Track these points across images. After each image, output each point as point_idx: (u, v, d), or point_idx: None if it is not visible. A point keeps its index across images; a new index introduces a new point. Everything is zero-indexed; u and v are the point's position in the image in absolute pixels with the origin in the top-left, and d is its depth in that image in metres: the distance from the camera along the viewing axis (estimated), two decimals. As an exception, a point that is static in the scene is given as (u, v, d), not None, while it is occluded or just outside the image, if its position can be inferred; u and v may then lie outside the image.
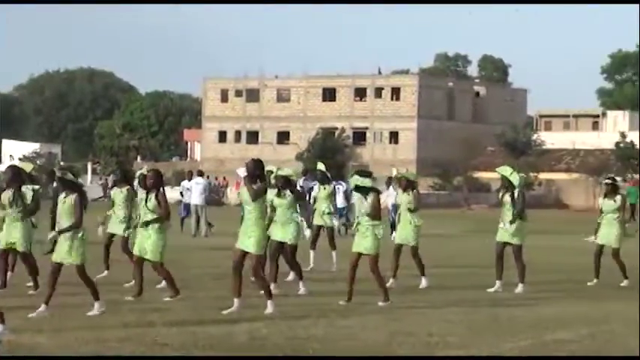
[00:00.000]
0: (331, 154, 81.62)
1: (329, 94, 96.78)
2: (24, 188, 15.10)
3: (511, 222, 16.54)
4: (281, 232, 15.91)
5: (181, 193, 32.94)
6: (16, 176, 15.05)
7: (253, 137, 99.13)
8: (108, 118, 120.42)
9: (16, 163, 17.53)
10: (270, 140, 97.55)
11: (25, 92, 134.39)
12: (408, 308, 14.33)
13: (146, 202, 14.54)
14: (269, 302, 13.44)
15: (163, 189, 14.76)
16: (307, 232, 17.01)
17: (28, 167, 16.30)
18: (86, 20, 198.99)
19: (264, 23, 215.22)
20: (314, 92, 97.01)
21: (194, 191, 31.37)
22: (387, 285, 15.63)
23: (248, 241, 13.42)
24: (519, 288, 16.61)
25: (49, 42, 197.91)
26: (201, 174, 32.89)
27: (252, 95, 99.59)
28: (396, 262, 17.17)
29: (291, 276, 16.89)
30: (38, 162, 74.50)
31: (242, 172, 14.13)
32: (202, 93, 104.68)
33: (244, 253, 13.51)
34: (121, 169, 19.23)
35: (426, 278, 17.17)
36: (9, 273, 15.79)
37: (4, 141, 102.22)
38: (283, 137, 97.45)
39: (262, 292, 13.61)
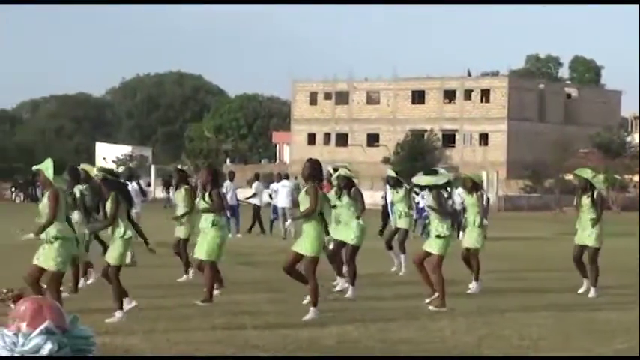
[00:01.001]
0: (420, 157, 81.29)
1: (418, 97, 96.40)
2: (75, 189, 15.46)
3: (592, 225, 16.21)
4: (344, 232, 15.97)
5: (270, 195, 33.17)
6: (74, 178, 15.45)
7: (342, 140, 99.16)
8: (197, 120, 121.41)
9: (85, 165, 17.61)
10: (360, 143, 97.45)
11: (117, 95, 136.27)
12: (499, 312, 14.14)
13: (203, 199, 14.54)
14: (312, 308, 13.09)
15: (218, 187, 14.76)
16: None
17: (92, 170, 16.26)
18: (176, 23, 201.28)
19: (354, 25, 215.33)
20: (403, 94, 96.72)
21: (280, 194, 31.54)
22: (471, 289, 15.58)
23: (303, 242, 13.16)
24: (592, 292, 16.20)
25: (140, 45, 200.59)
26: (286, 177, 33.28)
27: (342, 98, 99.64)
28: (469, 265, 16.90)
29: (340, 285, 16.46)
30: (130, 165, 75.44)
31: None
32: (291, 96, 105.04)
33: (299, 256, 13.21)
34: (177, 170, 19.09)
35: (477, 283, 16.78)
36: (91, 276, 16.09)
37: (98, 144, 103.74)
38: (373, 140, 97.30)
39: (309, 294, 13.24)
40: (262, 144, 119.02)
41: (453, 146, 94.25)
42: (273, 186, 32.87)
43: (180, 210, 17.49)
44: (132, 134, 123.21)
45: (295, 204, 33.10)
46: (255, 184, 34.14)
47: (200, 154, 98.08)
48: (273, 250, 22.78)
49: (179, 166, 22.49)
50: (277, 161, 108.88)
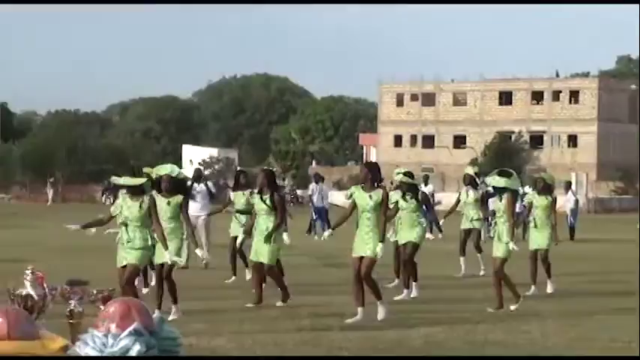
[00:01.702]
0: (508, 158, 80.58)
1: (505, 98, 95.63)
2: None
3: None
4: (407, 235, 15.85)
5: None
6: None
7: (429, 141, 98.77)
8: (283, 123, 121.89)
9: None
10: (446, 144, 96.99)
11: (204, 98, 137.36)
12: (588, 314, 13.90)
13: (263, 202, 14.28)
14: (380, 306, 12.99)
15: (277, 190, 14.57)
16: (429, 236, 16.63)
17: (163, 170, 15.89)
18: (262, 25, 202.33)
19: (441, 26, 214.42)
20: (490, 96, 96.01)
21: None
22: (549, 290, 15.40)
23: (365, 247, 12.86)
24: None
25: (227, 48, 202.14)
26: None
27: (428, 99, 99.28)
28: (534, 267, 16.53)
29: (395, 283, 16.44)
30: (216, 167, 76.02)
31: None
32: (378, 97, 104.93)
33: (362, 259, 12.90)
34: (237, 173, 18.84)
35: (552, 284, 16.51)
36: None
37: (185, 146, 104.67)
38: (459, 141, 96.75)
39: (373, 294, 13.05)
40: (349, 146, 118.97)
41: (541, 148, 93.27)
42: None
43: (240, 208, 17.26)
44: (218, 136, 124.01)
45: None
46: (312, 185, 34.48)
47: (287, 156, 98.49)
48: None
49: (239, 168, 22.30)
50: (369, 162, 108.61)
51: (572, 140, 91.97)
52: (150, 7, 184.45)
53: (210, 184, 21.59)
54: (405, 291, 15.74)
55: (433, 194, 31.71)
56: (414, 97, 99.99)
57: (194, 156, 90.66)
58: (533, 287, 16.32)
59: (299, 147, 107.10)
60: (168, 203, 12.98)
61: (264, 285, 14.47)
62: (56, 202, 64.76)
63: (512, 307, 14.09)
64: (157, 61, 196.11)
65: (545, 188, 16.68)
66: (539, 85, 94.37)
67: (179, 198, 13.01)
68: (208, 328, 11.99)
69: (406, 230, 15.89)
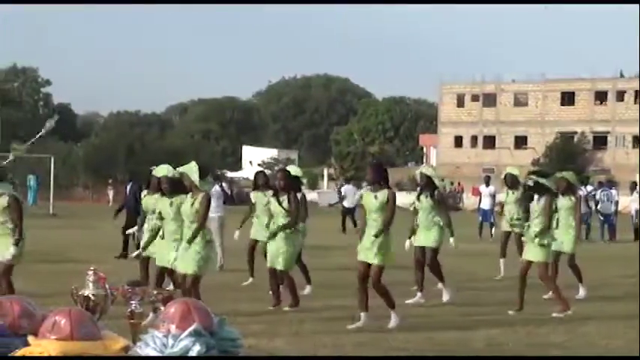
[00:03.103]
0: (570, 159, 79.90)
1: (568, 98, 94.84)
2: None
3: None
4: (423, 237, 15.25)
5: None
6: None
7: (490, 142, 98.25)
8: (344, 124, 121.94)
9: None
10: (507, 145, 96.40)
11: (264, 99, 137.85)
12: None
13: (279, 204, 13.87)
14: (392, 314, 12.53)
15: (295, 192, 14.08)
16: (452, 241, 15.84)
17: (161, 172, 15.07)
18: (322, 26, 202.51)
19: (502, 26, 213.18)
20: (552, 96, 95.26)
21: (429, 197, 31.60)
22: (579, 295, 15.19)
23: (370, 252, 12.44)
24: None
25: (287, 49, 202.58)
26: None
27: (489, 100, 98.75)
28: (555, 271, 15.91)
29: (418, 297, 15.33)
30: (276, 168, 76.21)
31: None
32: (438, 98, 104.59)
33: (368, 265, 12.49)
34: (256, 173, 18.14)
35: (584, 287, 16.13)
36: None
37: (244, 147, 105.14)
38: (521, 142, 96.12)
39: (385, 302, 12.62)
40: (409, 147, 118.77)
41: (605, 149, 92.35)
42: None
43: (263, 214, 16.53)
44: (278, 137, 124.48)
45: (448, 207, 33.27)
46: (345, 187, 34.77)
47: (347, 156, 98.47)
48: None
49: (261, 169, 22.02)
50: (424, 164, 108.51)
51: (637, 141, 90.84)
52: (210, 7, 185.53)
53: (225, 185, 21.44)
54: (419, 294, 15.09)
55: (494, 195, 31.55)
56: (474, 98, 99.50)
57: (254, 157, 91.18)
58: (580, 289, 16.09)
59: (359, 148, 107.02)
60: (171, 204, 12.69)
61: (280, 286, 14.12)
62: (117, 202, 65.25)
63: (556, 314, 13.79)
64: (217, 62, 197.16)
65: (569, 189, 16.11)
66: (602, 85, 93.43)
67: (182, 198, 12.76)
68: (267, 329, 12.00)
69: (423, 232, 15.26)
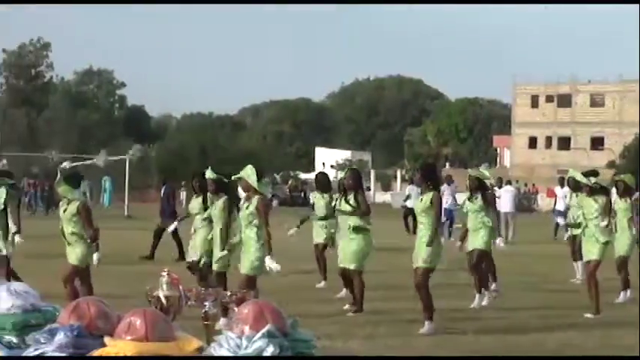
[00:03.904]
0: (647, 160, 78.70)
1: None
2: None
3: None
4: (472, 239, 14.95)
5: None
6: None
7: (565, 143, 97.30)
8: (417, 125, 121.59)
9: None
10: (583, 146, 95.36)
11: (337, 100, 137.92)
12: None
13: (346, 203, 13.65)
14: (426, 322, 12.17)
15: (362, 190, 13.97)
16: (499, 242, 15.46)
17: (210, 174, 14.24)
18: (395, 27, 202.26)
19: (576, 26, 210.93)
20: (630, 97, 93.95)
21: (504, 198, 31.44)
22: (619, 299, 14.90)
23: (417, 255, 12.31)
24: None
25: (360, 51, 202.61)
26: (509, 182, 33.69)
27: (564, 100, 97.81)
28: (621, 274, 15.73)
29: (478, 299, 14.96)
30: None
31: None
32: (512, 99, 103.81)
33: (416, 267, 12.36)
34: (322, 174, 17.98)
35: (625, 293, 15.71)
36: None
37: (317, 148, 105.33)
38: (597, 143, 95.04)
39: (423, 306, 12.35)
40: (482, 148, 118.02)
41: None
42: (496, 191, 32.89)
43: (321, 213, 16.77)
44: (351, 139, 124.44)
45: (518, 209, 33.25)
46: (409, 187, 35.03)
47: (420, 158, 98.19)
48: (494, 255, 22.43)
49: (321, 170, 21.87)
50: (497, 165, 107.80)
51: None
52: (284, 8, 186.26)
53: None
54: (478, 296, 14.85)
55: (568, 196, 31.32)
56: (549, 99, 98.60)
57: (327, 158, 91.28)
58: (628, 292, 15.79)
59: (432, 149, 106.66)
60: (215, 206, 12.84)
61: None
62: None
63: (588, 315, 13.59)
64: (291, 64, 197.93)
65: (626, 191, 15.79)
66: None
67: (222, 200, 12.77)
68: (342, 330, 11.99)
69: (471, 234, 14.98)
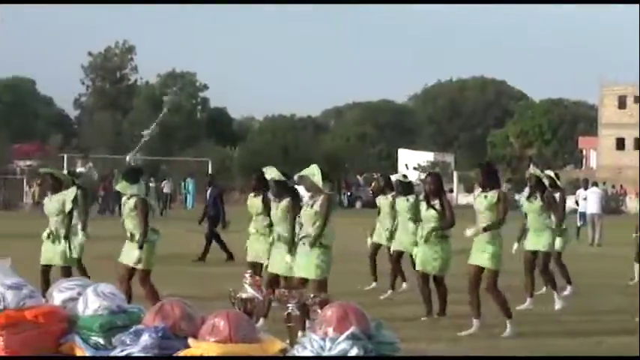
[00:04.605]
0: None
1: None
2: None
3: None
4: (535, 240, 14.62)
5: (577, 201, 32.83)
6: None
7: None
8: (500, 126, 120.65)
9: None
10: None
11: (419, 102, 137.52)
12: None
13: (431, 208, 13.32)
14: (508, 324, 11.97)
15: (445, 195, 13.65)
16: (558, 242, 15.18)
17: (272, 173, 13.62)
18: (477, 29, 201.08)
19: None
20: None
21: (590, 200, 31.24)
22: None
23: (482, 256, 12.06)
24: None
25: (442, 52, 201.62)
26: (595, 184, 33.40)
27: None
28: None
29: (528, 303, 14.57)
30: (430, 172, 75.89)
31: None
32: (598, 100, 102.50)
33: (481, 269, 12.11)
34: (383, 177, 17.67)
35: None
36: None
37: (400, 150, 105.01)
38: None
39: (500, 310, 12.12)
40: (567, 149, 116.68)
41: None
42: (581, 192, 32.71)
43: (385, 218, 16.46)
44: (434, 140, 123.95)
45: (605, 210, 32.86)
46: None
47: (503, 159, 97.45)
48: (577, 256, 22.12)
49: (381, 173, 21.32)
50: (583, 167, 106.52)
51: (638, 143, 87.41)
52: (365, 8, 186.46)
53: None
54: (529, 300, 14.52)
55: None
56: (637, 99, 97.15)
57: (410, 160, 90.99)
58: None
59: (515, 151, 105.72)
60: (277, 207, 12.49)
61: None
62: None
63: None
64: (373, 66, 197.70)
65: None
66: None
67: (286, 201, 12.46)
68: (426, 333, 11.93)
69: (533, 235, 14.66)
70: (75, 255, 13.53)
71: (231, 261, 21.27)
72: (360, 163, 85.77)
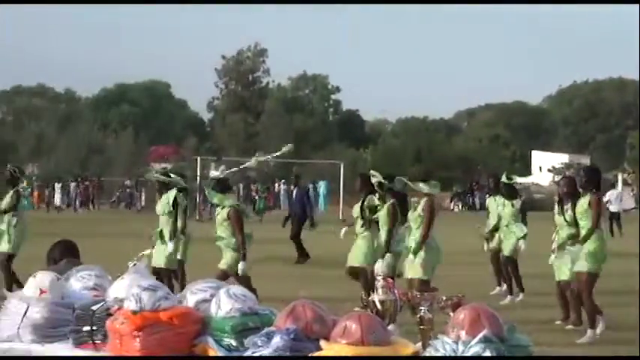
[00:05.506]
0: None
1: None
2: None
3: None
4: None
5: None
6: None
7: None
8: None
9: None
10: None
11: (554, 103, 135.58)
12: None
13: (561, 214, 12.77)
14: (589, 330, 11.65)
15: (577, 200, 12.76)
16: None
17: (377, 177, 14.36)
18: (612, 28, 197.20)
19: None
20: None
21: None
22: None
23: (579, 259, 11.75)
24: None
25: (578, 53, 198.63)
26: None
27: None
28: None
29: None
30: (567, 173, 74.67)
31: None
32: None
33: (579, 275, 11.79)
34: (491, 177, 17.10)
35: None
36: None
37: (534, 152, 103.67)
38: None
39: (587, 318, 11.81)
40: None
41: None
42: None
43: (493, 221, 16.04)
44: (569, 142, 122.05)
45: None
46: (610, 191, 34.88)
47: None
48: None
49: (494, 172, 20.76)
50: None
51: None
52: (499, 8, 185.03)
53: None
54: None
55: None
56: None
57: (544, 162, 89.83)
58: None
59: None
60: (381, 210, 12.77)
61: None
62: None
63: None
64: (506, 68, 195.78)
65: None
66: None
67: (389, 204, 12.69)
68: (562, 338, 11.76)
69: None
70: (177, 257, 13.78)
71: (300, 263, 21.31)
72: (492, 165, 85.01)
